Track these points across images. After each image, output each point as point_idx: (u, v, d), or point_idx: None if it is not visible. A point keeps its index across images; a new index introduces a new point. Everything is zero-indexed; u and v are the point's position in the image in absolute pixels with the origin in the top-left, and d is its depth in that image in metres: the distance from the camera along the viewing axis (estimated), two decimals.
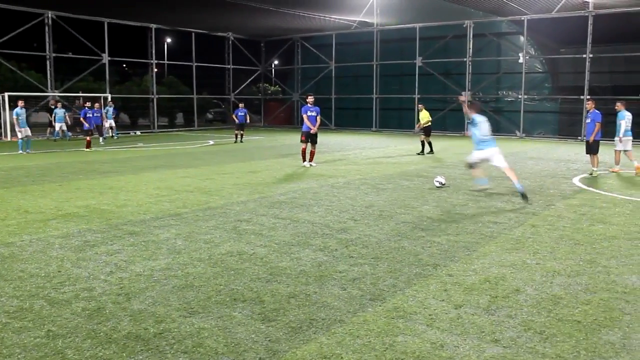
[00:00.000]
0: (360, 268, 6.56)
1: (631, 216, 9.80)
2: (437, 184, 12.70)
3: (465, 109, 12.63)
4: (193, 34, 37.83)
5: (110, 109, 29.86)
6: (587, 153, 15.76)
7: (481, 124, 11.86)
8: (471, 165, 12.46)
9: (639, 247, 7.68)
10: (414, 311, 5.26)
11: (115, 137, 29.77)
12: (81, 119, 24.96)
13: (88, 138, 23.38)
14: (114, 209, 10.10)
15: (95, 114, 25.16)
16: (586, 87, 29.39)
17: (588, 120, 15.45)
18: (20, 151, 21.57)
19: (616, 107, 15.66)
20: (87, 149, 22.76)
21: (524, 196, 11.08)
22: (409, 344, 4.57)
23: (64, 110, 28.42)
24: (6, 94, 27.71)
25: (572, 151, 23.22)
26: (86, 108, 24.88)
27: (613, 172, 15.89)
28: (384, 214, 9.72)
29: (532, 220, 9.31)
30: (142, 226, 8.66)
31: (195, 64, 38.31)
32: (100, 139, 26.78)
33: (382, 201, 10.95)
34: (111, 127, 29.77)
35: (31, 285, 5.93)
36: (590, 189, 12.88)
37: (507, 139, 30.29)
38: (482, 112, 12.44)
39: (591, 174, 15.14)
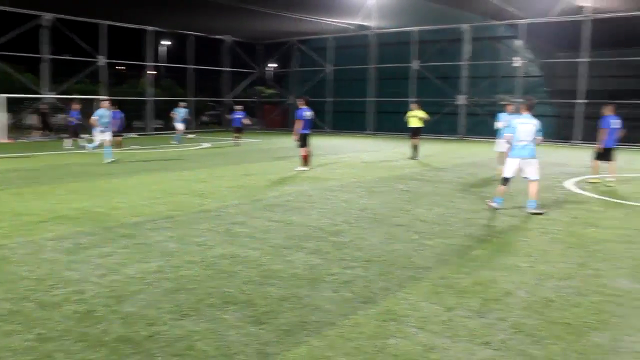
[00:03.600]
0: (352, 271, 6.56)
1: (624, 220, 9.83)
2: None
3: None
4: (190, 36, 37.84)
5: (183, 111, 28.54)
6: (603, 160, 14.48)
7: (519, 126, 10.26)
8: (506, 181, 10.61)
9: (630, 250, 7.70)
10: (405, 314, 5.26)
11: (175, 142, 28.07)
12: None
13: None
14: (107, 211, 10.08)
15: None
16: (581, 91, 29.49)
17: (617, 125, 14.26)
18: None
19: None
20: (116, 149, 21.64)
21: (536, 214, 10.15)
22: (400, 346, 4.57)
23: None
24: (4, 96, 27.66)
25: (568, 155, 23.27)
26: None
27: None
28: (377, 217, 9.73)
29: (525, 224, 9.33)
30: (136, 229, 8.65)
31: (192, 66, 38.32)
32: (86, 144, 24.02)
33: (377, 204, 10.96)
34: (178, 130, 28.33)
35: (22, 288, 5.91)
36: (584, 192, 12.91)
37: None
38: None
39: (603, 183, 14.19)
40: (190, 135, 31.03)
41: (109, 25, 32.74)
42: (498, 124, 15.64)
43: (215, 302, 5.50)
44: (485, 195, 12.10)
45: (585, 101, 29.62)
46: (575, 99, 29.84)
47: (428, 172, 16.59)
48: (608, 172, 14.34)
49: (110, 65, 34.22)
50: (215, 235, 8.23)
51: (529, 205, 10.28)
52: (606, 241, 8.22)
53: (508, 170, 10.52)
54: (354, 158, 20.89)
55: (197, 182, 13.79)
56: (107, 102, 20.23)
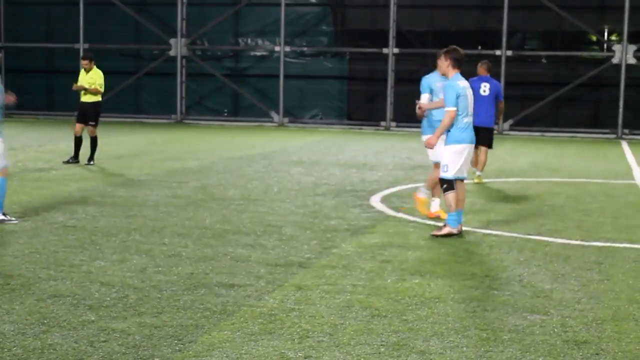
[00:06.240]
0: None
1: (465, 260, 6.42)
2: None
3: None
4: None
5: None
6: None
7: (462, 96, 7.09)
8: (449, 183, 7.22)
9: (477, 314, 4.71)
10: None
11: None
12: None
13: None
14: None
15: None
16: None
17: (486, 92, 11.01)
18: None
19: None
20: None
21: None
22: None
23: None
24: None
25: (372, 148, 17.40)
26: None
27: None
28: (13, 283, 5.22)
29: (299, 278, 5.67)
30: None
31: None
32: None
33: (11, 257, 6.09)
34: None
35: None
36: (401, 214, 8.66)
37: (262, 127, 24.41)
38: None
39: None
40: None
41: None
42: None
43: None
44: (232, 227, 8.22)
45: None
46: None
47: (116, 187, 11.61)
48: None
49: None
50: None
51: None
52: (438, 300, 5.16)
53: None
54: None
55: None
56: None
